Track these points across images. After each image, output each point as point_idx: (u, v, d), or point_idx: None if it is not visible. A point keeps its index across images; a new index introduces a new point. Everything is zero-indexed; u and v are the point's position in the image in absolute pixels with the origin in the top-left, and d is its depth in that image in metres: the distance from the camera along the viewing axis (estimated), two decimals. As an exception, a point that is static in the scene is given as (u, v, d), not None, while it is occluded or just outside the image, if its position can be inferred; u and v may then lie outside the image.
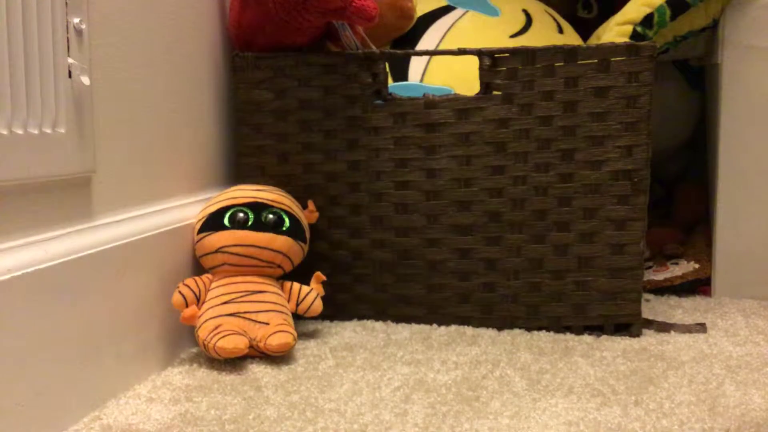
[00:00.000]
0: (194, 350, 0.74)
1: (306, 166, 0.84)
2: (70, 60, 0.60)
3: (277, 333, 0.68)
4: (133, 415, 0.59)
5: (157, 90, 0.74)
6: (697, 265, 0.94)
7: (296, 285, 0.76)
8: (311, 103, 0.83)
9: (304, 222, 0.79)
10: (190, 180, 0.81)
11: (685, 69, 1.17)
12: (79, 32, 0.61)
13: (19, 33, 0.54)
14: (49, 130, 0.57)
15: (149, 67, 0.73)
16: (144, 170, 0.72)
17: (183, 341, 0.74)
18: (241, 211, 0.74)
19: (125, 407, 0.60)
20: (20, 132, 0.54)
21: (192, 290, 0.71)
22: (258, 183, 0.84)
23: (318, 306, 0.76)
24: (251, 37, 0.83)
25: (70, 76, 0.60)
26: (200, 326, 0.69)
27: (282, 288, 0.76)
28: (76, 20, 0.61)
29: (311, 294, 0.76)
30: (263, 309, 0.71)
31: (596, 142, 0.79)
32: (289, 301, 0.75)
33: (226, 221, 0.74)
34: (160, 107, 0.75)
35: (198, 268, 0.76)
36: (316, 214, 0.82)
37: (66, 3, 0.59)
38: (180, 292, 0.70)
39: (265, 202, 0.76)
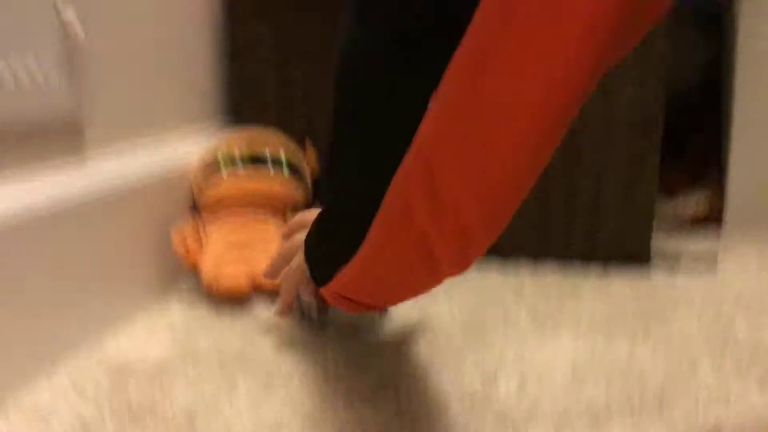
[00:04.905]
0: (194, 285, 0.73)
1: (306, 99, 0.81)
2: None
3: None
4: (132, 351, 0.58)
5: (148, 22, 0.71)
6: (708, 200, 0.92)
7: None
8: (310, 31, 0.80)
9: (304, 166, 0.77)
10: (185, 115, 0.78)
11: (701, 12, 1.13)
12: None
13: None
14: (37, 70, 0.55)
15: (139, 0, 0.69)
16: (136, 107, 0.69)
17: (182, 276, 0.72)
18: (239, 161, 0.72)
19: (124, 342, 0.59)
20: (8, 72, 0.52)
21: (192, 233, 0.69)
22: (255, 116, 0.81)
23: None
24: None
25: (58, 13, 0.57)
26: (203, 267, 0.68)
27: (285, 221, 0.74)
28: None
29: None
30: (267, 246, 0.70)
31: (610, 73, 0.76)
32: None
33: (222, 169, 0.72)
34: (152, 40, 0.72)
35: (196, 209, 0.75)
36: (315, 161, 0.80)
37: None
38: (180, 235, 0.68)
39: (262, 151, 0.74)
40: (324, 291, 0.48)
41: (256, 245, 0.69)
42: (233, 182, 0.71)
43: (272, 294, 0.69)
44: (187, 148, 0.75)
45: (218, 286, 0.65)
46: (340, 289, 0.45)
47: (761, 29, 0.89)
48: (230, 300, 0.68)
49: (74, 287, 0.57)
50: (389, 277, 0.40)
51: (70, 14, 0.58)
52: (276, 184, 0.72)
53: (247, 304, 0.68)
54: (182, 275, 0.72)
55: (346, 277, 0.42)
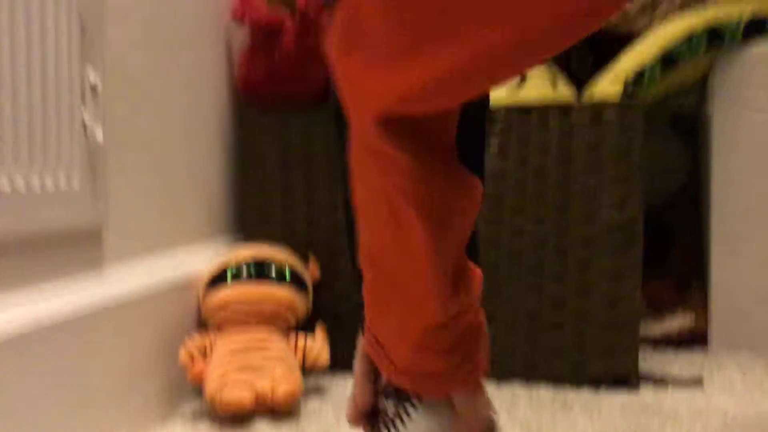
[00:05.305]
0: (197, 404, 0.74)
1: (309, 217, 0.85)
2: (85, 116, 0.62)
3: (284, 383, 0.69)
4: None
5: (166, 143, 0.76)
6: (693, 319, 0.95)
7: (302, 338, 0.77)
8: (314, 155, 0.85)
9: (306, 277, 0.80)
10: (196, 229, 0.82)
11: (678, 121, 1.20)
12: (94, 89, 0.63)
13: (38, 91, 0.56)
14: (63, 184, 0.59)
15: (159, 121, 0.74)
16: (152, 220, 0.73)
17: (186, 394, 0.74)
18: (244, 267, 0.76)
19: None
20: (36, 186, 0.56)
21: (198, 347, 0.71)
22: (261, 232, 0.85)
23: (324, 360, 0.76)
24: (258, 91, 0.85)
25: (85, 131, 0.62)
26: (207, 382, 0.69)
27: (288, 342, 0.77)
28: (92, 78, 0.63)
29: (317, 347, 0.76)
30: (269, 362, 0.72)
31: (590, 194, 0.80)
32: (295, 354, 0.76)
33: (228, 278, 0.75)
34: (169, 159, 0.76)
35: (202, 323, 0.77)
36: (317, 273, 0.83)
37: (83, 62, 0.61)
38: (186, 349, 0.71)
39: (265, 257, 0.77)
40: (365, 344, 0.44)
41: (259, 364, 0.71)
42: (237, 288, 0.74)
43: (274, 412, 0.70)
44: (197, 261, 0.78)
45: (221, 401, 0.67)
46: (369, 324, 0.42)
47: (735, 134, 0.93)
48: (233, 417, 0.69)
49: (80, 403, 0.59)
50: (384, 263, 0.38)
51: (89, 117, 0.62)
52: (278, 291, 0.75)
53: (250, 423, 0.69)
54: (186, 391, 0.74)
55: (367, 306, 0.41)
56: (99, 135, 0.64)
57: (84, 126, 0.62)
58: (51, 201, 0.58)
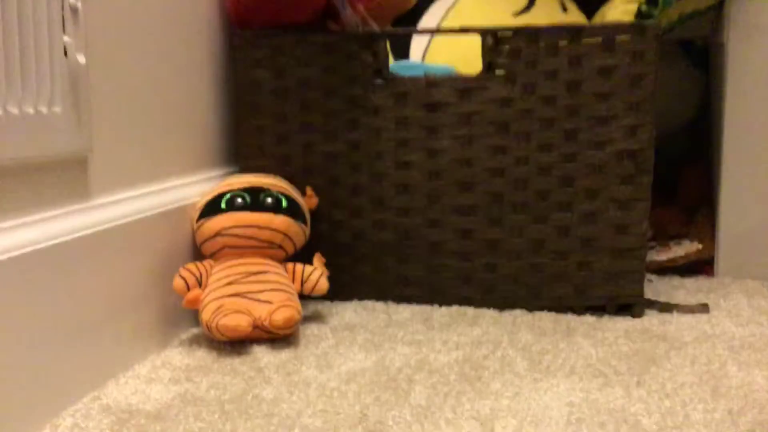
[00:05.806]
0: (194, 330, 0.74)
1: (305, 146, 0.83)
2: (65, 38, 0.59)
3: (282, 308, 0.68)
4: (133, 395, 0.59)
5: (154, 68, 0.73)
6: (700, 246, 0.94)
7: (300, 265, 0.76)
8: (311, 82, 0.82)
9: (303, 205, 0.79)
10: (188, 159, 0.80)
11: (689, 48, 1.16)
12: (74, 10, 0.61)
13: (14, 11, 0.53)
14: (44, 109, 0.57)
15: (145, 46, 0.72)
16: (141, 150, 0.71)
17: (183, 321, 0.74)
18: (239, 195, 0.74)
19: (125, 387, 0.60)
20: (15, 111, 0.54)
21: (193, 274, 0.71)
22: (257, 162, 0.83)
23: (323, 284, 0.75)
24: (250, 15, 0.82)
25: (65, 54, 0.59)
26: (203, 309, 0.69)
27: (285, 269, 0.76)
28: (72, 0, 0.60)
29: (315, 272, 0.76)
30: (266, 288, 0.71)
31: (600, 122, 0.78)
32: (293, 281, 0.75)
33: (223, 205, 0.73)
34: (157, 86, 0.74)
35: (197, 252, 0.76)
36: (315, 200, 0.82)
37: (61, -20, 0.58)
38: (181, 276, 0.70)
39: (261, 185, 0.76)
40: None
41: (257, 290, 0.71)
42: (232, 216, 0.73)
43: (272, 337, 0.70)
44: (190, 192, 0.77)
45: (218, 326, 0.66)
46: None
47: (750, 62, 0.91)
48: (230, 342, 0.69)
49: (74, 330, 0.58)
50: None
51: (69, 40, 0.60)
52: (275, 219, 0.74)
53: (248, 348, 0.69)
54: (183, 319, 0.73)
55: None
56: (81, 58, 0.61)
57: (64, 49, 0.59)
58: (32, 127, 0.56)
